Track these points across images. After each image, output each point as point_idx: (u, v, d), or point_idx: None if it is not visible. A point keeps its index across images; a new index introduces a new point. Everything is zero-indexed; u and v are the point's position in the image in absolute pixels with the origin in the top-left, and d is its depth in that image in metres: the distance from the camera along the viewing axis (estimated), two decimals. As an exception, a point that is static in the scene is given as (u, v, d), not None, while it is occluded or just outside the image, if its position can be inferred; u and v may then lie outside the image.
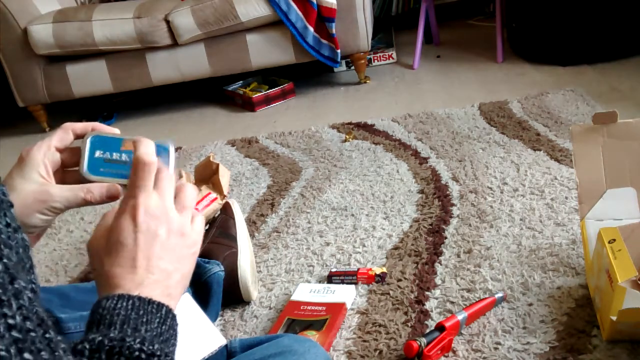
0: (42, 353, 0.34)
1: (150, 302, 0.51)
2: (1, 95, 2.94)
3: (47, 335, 0.35)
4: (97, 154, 0.63)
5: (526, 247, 1.24)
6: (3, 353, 0.31)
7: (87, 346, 0.45)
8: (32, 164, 0.62)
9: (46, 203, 0.61)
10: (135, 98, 2.98)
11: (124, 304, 0.50)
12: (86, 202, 0.63)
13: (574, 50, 2.33)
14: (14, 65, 2.58)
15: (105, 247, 0.53)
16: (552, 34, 2.35)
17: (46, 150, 0.64)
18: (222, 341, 1.00)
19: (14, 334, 0.32)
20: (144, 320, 0.50)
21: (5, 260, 0.33)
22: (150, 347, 0.47)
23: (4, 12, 2.49)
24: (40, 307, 0.36)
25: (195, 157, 2.07)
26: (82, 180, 0.62)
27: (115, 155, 0.62)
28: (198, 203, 1.40)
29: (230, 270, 1.19)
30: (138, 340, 0.47)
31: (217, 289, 1.14)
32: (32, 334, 0.34)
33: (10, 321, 0.32)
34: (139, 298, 0.51)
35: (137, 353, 0.46)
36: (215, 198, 1.42)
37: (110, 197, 0.62)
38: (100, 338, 0.46)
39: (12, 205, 0.39)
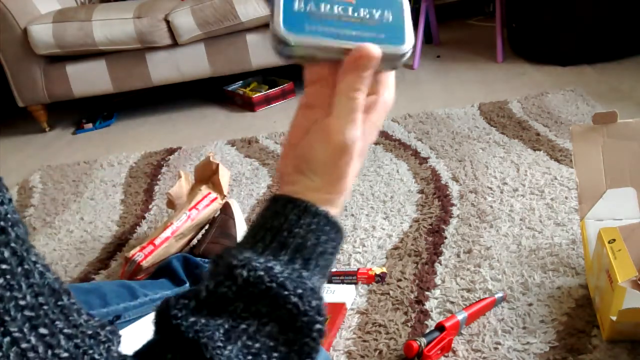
0: (57, 322, 0.34)
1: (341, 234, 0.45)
2: (1, 95, 2.94)
3: (60, 303, 0.35)
4: (297, 4, 0.42)
5: (526, 247, 1.24)
6: (17, 334, 0.32)
7: (268, 277, 0.39)
8: None
9: None
10: (135, 98, 2.98)
11: (326, 228, 0.43)
12: None
13: (574, 50, 2.33)
14: (14, 65, 2.58)
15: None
16: (552, 34, 2.35)
17: None
18: None
19: (27, 313, 0.33)
20: (329, 257, 0.43)
21: (12, 244, 0.33)
22: (318, 317, 0.41)
23: (4, 12, 2.49)
24: (50, 274, 0.36)
25: (195, 157, 2.07)
26: (275, 45, 0.43)
27: (325, 7, 0.42)
28: (198, 203, 1.40)
29: None
30: (315, 296, 0.40)
31: None
32: (45, 307, 0.34)
33: (22, 302, 0.33)
34: (339, 228, 0.44)
35: (305, 318, 0.40)
36: (215, 198, 1.42)
37: None
38: (283, 277, 0.40)
39: (7, 189, 0.40)
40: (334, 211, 0.44)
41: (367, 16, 0.43)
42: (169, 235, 1.34)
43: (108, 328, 0.38)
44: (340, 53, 0.42)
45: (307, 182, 0.44)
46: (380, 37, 0.43)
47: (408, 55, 0.44)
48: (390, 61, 0.44)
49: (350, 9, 0.43)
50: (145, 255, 1.29)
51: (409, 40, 0.44)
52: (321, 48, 0.42)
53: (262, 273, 0.39)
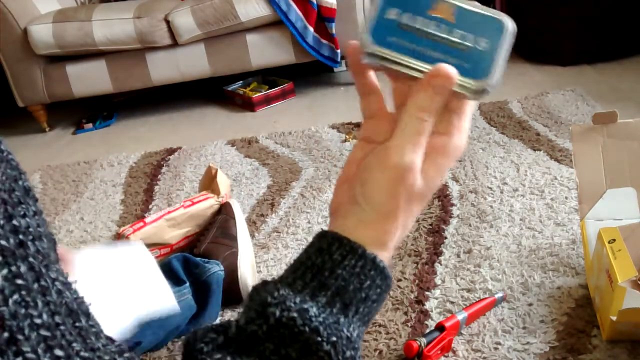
0: (74, 344, 0.33)
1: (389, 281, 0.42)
2: (1, 95, 2.94)
3: (77, 324, 0.34)
4: (392, 13, 0.41)
5: (526, 247, 1.24)
6: (30, 355, 0.30)
7: (301, 319, 0.37)
8: None
9: None
10: (135, 98, 2.98)
11: (372, 272, 0.40)
12: None
13: (574, 50, 2.33)
14: (14, 65, 2.58)
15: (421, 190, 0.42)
16: (552, 34, 2.35)
17: None
18: (175, 308, 1.01)
19: (42, 332, 0.31)
20: (372, 305, 0.40)
21: (31, 259, 0.32)
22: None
23: (4, 12, 2.48)
24: (69, 293, 0.34)
25: (195, 157, 2.07)
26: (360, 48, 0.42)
27: (418, 21, 0.41)
28: (194, 198, 1.41)
29: (230, 270, 1.19)
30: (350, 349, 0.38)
31: (216, 288, 1.15)
32: (62, 327, 0.33)
33: (37, 320, 0.31)
34: (386, 275, 0.41)
35: None
36: (212, 197, 1.43)
37: None
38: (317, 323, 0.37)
39: (37, 199, 0.39)
40: (383, 255, 0.41)
41: (459, 39, 0.40)
42: (160, 215, 1.35)
43: (127, 355, 0.37)
44: (416, 72, 0.41)
45: (359, 213, 0.41)
46: (464, 66, 0.40)
47: (490, 92, 0.40)
48: (468, 93, 0.41)
49: (444, 28, 0.40)
50: (133, 230, 1.30)
51: (495, 76, 0.40)
52: (396, 63, 0.41)
53: (295, 314, 0.37)
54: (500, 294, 1.09)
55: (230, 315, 1.19)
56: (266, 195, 1.69)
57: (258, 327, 0.38)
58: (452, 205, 1.46)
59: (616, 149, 1.07)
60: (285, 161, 1.91)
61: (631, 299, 0.87)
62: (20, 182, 0.34)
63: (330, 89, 2.63)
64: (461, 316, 1.01)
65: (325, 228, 0.43)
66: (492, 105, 2.05)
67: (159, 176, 1.97)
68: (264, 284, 0.41)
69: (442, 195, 1.51)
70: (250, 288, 1.24)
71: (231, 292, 1.19)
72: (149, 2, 2.58)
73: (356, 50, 0.41)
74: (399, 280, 1.20)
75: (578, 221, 1.21)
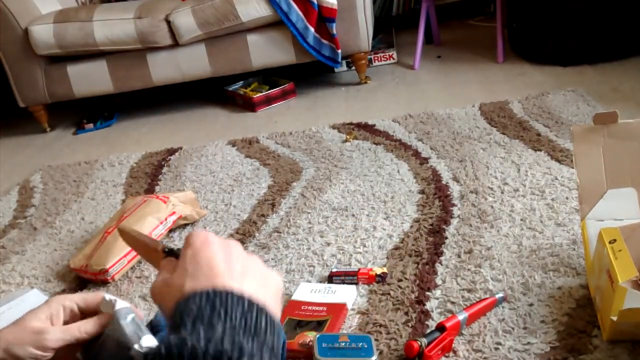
0: None
1: (229, 294, 0.48)
2: (2, 96, 2.94)
3: None
4: (324, 344, 0.94)
5: (527, 247, 1.24)
6: None
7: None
8: (47, 305, 0.66)
9: (40, 336, 0.62)
10: (136, 98, 2.98)
11: (197, 300, 0.47)
12: (78, 340, 0.64)
13: (574, 51, 2.33)
14: (15, 66, 2.58)
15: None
16: (552, 34, 2.35)
17: (69, 301, 0.67)
18: None
19: None
20: (221, 312, 0.47)
21: None
22: (218, 347, 0.43)
23: (5, 13, 2.49)
24: None
25: (195, 158, 2.07)
26: None
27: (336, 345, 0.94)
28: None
29: None
30: (203, 341, 0.43)
31: None
32: None
33: None
34: (214, 291, 0.48)
35: (200, 354, 0.43)
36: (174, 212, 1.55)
37: (103, 327, 0.64)
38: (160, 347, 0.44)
39: None
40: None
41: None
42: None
43: None
44: None
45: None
46: None
47: None
48: None
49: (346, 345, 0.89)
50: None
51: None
52: None
53: (183, 338, 0.45)
54: (500, 294, 1.09)
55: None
56: (267, 195, 1.70)
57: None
58: (453, 205, 1.46)
59: (617, 149, 1.07)
60: (285, 161, 1.91)
61: (632, 299, 0.87)
62: None
63: (331, 89, 2.63)
64: (462, 316, 1.01)
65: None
66: (493, 106, 2.05)
67: (160, 176, 1.98)
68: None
69: (443, 196, 1.51)
70: None
71: None
72: (149, 2, 2.58)
73: None
74: (400, 280, 1.20)
75: (579, 221, 1.21)
